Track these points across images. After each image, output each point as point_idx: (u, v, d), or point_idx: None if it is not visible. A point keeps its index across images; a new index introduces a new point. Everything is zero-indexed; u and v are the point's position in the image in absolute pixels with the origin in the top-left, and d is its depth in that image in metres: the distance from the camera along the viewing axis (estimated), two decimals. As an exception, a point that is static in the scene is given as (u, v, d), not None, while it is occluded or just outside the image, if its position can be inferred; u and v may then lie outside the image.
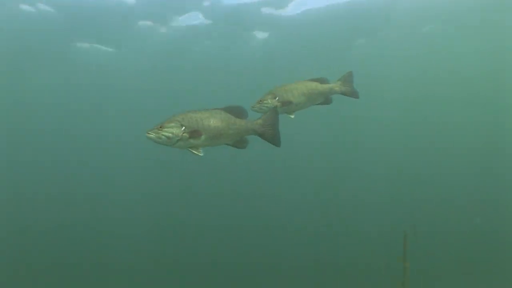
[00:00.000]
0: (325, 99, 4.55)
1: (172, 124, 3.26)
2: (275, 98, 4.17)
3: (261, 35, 12.03)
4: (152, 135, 3.24)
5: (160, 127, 3.25)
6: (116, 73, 11.58)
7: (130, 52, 11.65)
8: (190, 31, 11.26)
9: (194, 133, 3.28)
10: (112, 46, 11.64)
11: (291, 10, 11.20)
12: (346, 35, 11.72)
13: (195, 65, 12.16)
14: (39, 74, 11.32)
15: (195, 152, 3.34)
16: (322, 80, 4.50)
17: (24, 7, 10.12)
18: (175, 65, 11.96)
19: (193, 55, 11.98)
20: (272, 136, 3.58)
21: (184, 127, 3.26)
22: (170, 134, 3.24)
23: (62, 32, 10.65)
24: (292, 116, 4.29)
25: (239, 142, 3.56)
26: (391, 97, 11.87)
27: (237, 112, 3.49)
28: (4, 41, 10.44)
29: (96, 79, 11.54)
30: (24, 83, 11.32)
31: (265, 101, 4.17)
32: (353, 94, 4.64)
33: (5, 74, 10.99)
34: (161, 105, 10.50)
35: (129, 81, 11.66)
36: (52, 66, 11.27)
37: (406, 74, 11.90)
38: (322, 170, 11.36)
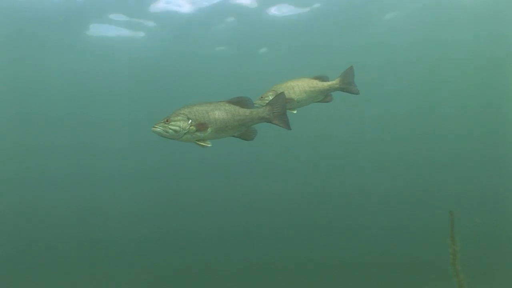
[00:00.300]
0: (326, 96, 4.64)
1: (179, 118, 3.29)
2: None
3: (288, 9, 11.51)
4: (158, 129, 3.26)
5: (167, 121, 3.28)
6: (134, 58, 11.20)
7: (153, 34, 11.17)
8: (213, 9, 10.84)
9: (200, 126, 3.31)
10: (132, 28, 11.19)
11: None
12: (372, 11, 11.35)
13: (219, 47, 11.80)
14: (54, 60, 10.93)
15: (203, 144, 3.37)
16: (322, 78, 4.60)
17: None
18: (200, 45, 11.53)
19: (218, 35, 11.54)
20: (282, 120, 3.62)
21: (190, 120, 3.29)
22: (177, 128, 3.27)
23: (76, 14, 10.28)
24: (295, 112, 4.35)
25: (247, 133, 3.59)
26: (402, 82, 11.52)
27: (243, 103, 3.52)
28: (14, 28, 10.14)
29: (114, 64, 11.20)
30: (38, 69, 10.99)
31: (266, 98, 4.24)
32: (353, 90, 4.71)
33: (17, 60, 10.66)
34: (187, 93, 10.32)
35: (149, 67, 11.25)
36: (65, 52, 10.92)
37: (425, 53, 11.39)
38: (319, 166, 11.27)
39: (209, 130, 3.35)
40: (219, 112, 3.38)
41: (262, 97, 4.26)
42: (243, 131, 3.56)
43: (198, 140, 3.37)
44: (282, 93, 3.74)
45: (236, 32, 11.38)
